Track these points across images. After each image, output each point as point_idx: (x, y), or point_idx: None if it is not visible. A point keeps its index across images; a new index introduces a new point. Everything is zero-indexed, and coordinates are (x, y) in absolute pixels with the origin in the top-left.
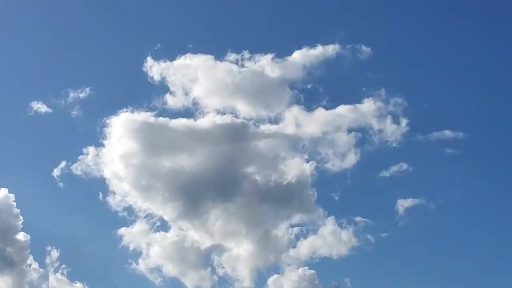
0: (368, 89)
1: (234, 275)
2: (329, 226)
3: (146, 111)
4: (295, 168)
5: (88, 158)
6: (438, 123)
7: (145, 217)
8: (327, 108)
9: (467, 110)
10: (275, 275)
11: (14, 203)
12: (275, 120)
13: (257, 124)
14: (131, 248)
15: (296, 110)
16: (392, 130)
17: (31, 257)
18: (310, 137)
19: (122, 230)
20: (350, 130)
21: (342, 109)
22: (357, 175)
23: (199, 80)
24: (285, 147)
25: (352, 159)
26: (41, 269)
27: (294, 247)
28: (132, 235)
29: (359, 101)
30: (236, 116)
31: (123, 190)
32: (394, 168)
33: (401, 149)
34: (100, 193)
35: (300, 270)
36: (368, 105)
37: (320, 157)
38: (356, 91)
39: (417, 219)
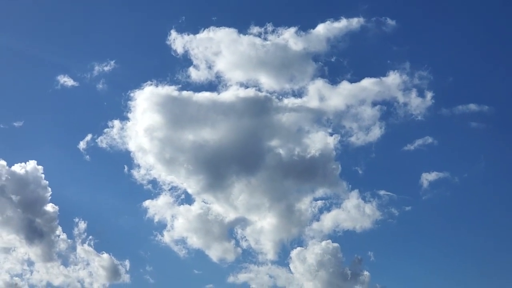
0: (393, 62)
1: (258, 247)
2: (352, 200)
3: (169, 85)
4: (319, 141)
5: (113, 131)
6: (463, 97)
7: (169, 190)
8: (351, 81)
9: (492, 84)
10: (298, 248)
11: (43, 175)
12: (299, 94)
13: (281, 97)
14: (156, 220)
15: (320, 83)
16: (417, 104)
17: (59, 228)
18: (334, 111)
19: (147, 203)
20: (374, 104)
21: (366, 82)
22: (382, 148)
23: (222, 53)
24: (309, 121)
25: (376, 132)
26: (69, 240)
27: (318, 220)
28: (156, 207)
29: (383, 74)
30: (259, 90)
31: (148, 163)
32: (418, 142)
33: (426, 122)
34: (125, 166)
35: (324, 243)
36: (393, 78)
37: (344, 131)
38: (380, 64)
39: (441, 193)
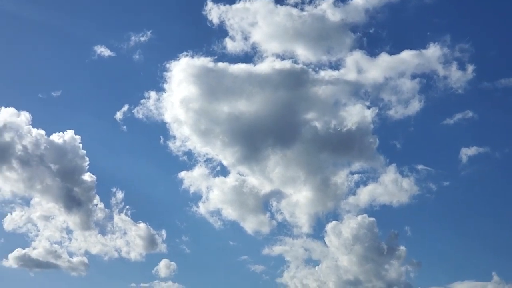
0: (433, 34)
1: (293, 221)
2: (390, 174)
3: (205, 56)
4: (356, 114)
5: (149, 102)
6: (505, 70)
7: (204, 161)
8: (390, 53)
9: None
10: (334, 222)
11: (80, 145)
12: (336, 66)
13: (317, 69)
14: (191, 191)
15: (358, 55)
16: (458, 77)
17: (97, 197)
18: (373, 83)
19: (183, 174)
20: (414, 76)
21: (406, 54)
22: (420, 122)
23: (259, 24)
24: (346, 93)
25: (415, 106)
26: (106, 209)
27: (354, 194)
28: (192, 179)
29: (423, 46)
30: (295, 62)
31: (183, 134)
32: (458, 116)
33: (467, 96)
34: (161, 137)
35: (359, 217)
36: (433, 51)
37: (383, 104)
38: (420, 36)
39: (481, 168)
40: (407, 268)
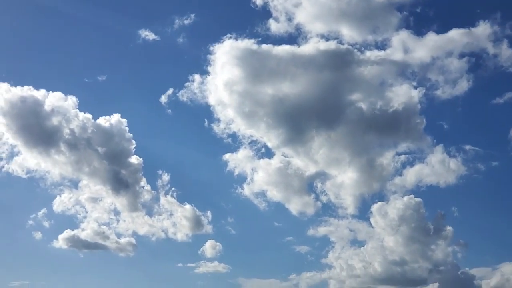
0: (483, 11)
1: (338, 202)
2: (437, 155)
3: (249, 38)
4: (403, 95)
5: (193, 85)
6: None
7: (249, 143)
8: (438, 32)
9: None
10: (379, 203)
11: (127, 128)
12: (382, 46)
13: (363, 49)
14: (236, 173)
15: (404, 34)
16: (508, 55)
17: (143, 179)
18: (420, 63)
19: (227, 156)
20: (462, 55)
21: (454, 33)
22: (469, 102)
23: (303, 4)
24: (392, 74)
25: (463, 85)
26: (153, 191)
27: (400, 175)
28: (236, 161)
29: (472, 24)
30: (340, 42)
31: (228, 117)
32: (509, 95)
33: None
34: (206, 120)
35: (406, 198)
36: (482, 29)
37: (430, 84)
38: (469, 14)
39: None
40: (454, 248)
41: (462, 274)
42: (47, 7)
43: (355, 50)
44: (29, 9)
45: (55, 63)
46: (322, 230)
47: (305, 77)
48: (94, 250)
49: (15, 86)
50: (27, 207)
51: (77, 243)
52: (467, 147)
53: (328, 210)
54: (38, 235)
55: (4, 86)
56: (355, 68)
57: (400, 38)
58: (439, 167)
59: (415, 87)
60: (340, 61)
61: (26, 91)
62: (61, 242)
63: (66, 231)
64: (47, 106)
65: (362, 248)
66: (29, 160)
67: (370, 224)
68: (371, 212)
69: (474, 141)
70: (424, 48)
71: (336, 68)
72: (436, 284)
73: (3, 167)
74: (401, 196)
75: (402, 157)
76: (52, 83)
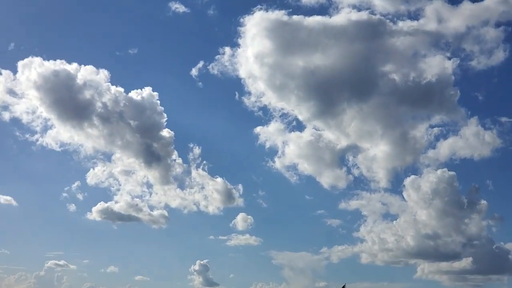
0: None
1: (370, 175)
2: (471, 127)
3: (279, 9)
4: (436, 66)
5: (224, 58)
6: None
7: (280, 116)
8: (473, 0)
9: None
10: (412, 176)
11: (158, 101)
12: (415, 16)
13: (395, 20)
14: (267, 146)
15: (438, 4)
16: None
17: (175, 152)
18: (454, 33)
19: (258, 129)
20: (498, 24)
21: (490, 1)
22: (505, 73)
23: None
24: (425, 44)
25: (499, 56)
26: (184, 164)
27: (433, 148)
28: (267, 134)
29: None
30: (372, 12)
31: (258, 90)
32: None
33: None
34: (236, 93)
35: (439, 171)
36: None
37: (464, 54)
38: None
39: None
40: (489, 222)
41: (496, 248)
42: None
43: (388, 20)
44: None
45: (87, 36)
46: (354, 204)
47: (336, 49)
48: (128, 222)
49: (48, 60)
50: (61, 180)
51: (110, 215)
52: (503, 119)
53: (360, 183)
54: (72, 207)
55: (37, 60)
56: (388, 39)
57: (434, 8)
58: (473, 139)
59: (449, 58)
60: (372, 32)
61: (59, 65)
62: (95, 214)
63: (99, 203)
64: (80, 80)
65: (394, 221)
66: (62, 134)
67: (403, 197)
68: (404, 185)
69: (510, 113)
70: (459, 17)
71: (368, 39)
72: (470, 259)
73: (37, 140)
74: (434, 170)
75: (436, 129)
76: (84, 57)
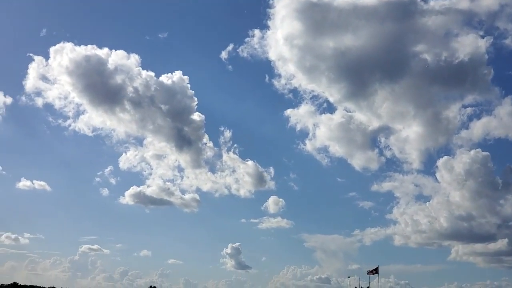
0: None
1: (402, 157)
2: (506, 106)
3: None
4: (469, 45)
5: (253, 40)
6: None
7: (310, 98)
8: None
9: None
10: (445, 157)
11: (188, 85)
12: None
13: None
14: (298, 128)
15: None
16: None
17: (206, 136)
18: (487, 11)
19: (289, 112)
20: None
21: None
22: None
23: None
24: (458, 23)
25: None
26: (215, 148)
27: (467, 128)
28: (298, 116)
29: None
30: None
31: (288, 72)
32: None
33: None
34: (266, 75)
35: (472, 152)
36: None
37: (498, 33)
38: None
39: None
40: None
41: None
42: None
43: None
44: None
45: (117, 21)
46: (386, 186)
47: (367, 29)
48: (160, 206)
49: (79, 45)
50: (94, 165)
51: (143, 199)
52: None
53: (393, 165)
54: (105, 191)
55: (69, 45)
56: (419, 18)
57: None
58: (507, 119)
59: (482, 37)
60: (403, 12)
61: (90, 50)
62: (127, 198)
63: (132, 187)
64: (111, 65)
65: (427, 203)
66: (94, 119)
67: (436, 179)
68: (437, 166)
69: None
70: None
71: (399, 19)
72: (506, 240)
73: (70, 125)
74: (467, 150)
75: (469, 109)
76: (115, 42)
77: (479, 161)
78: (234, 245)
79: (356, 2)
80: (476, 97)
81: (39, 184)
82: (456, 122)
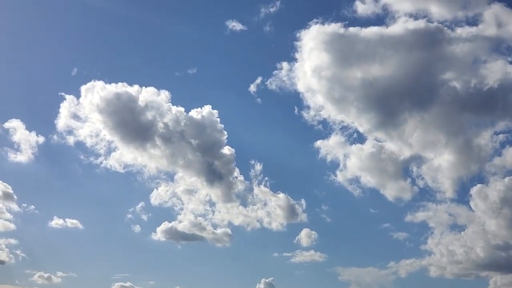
0: None
1: (435, 186)
2: None
3: (336, 22)
4: (498, 71)
5: (281, 73)
6: None
7: (340, 129)
8: None
9: None
10: (479, 185)
11: (218, 119)
12: (473, 21)
13: (453, 26)
14: (328, 160)
15: (497, 8)
16: None
17: (236, 170)
18: None
19: (319, 143)
20: None
21: None
22: None
23: None
24: (486, 50)
25: None
26: (246, 181)
27: (500, 155)
28: (328, 147)
29: None
30: (429, 20)
31: (317, 103)
32: None
33: None
34: (295, 107)
35: (507, 179)
36: None
37: None
38: None
39: None
40: None
41: None
42: (136, 9)
43: (445, 27)
44: (119, 13)
45: (147, 59)
46: (420, 216)
47: (394, 58)
48: (192, 241)
49: (110, 83)
50: (126, 201)
51: (175, 235)
52: None
53: (426, 194)
54: (137, 228)
55: (100, 84)
56: (446, 46)
57: (492, 12)
58: None
59: (511, 63)
60: (430, 40)
61: (121, 87)
62: (159, 234)
63: (164, 223)
64: (141, 102)
65: (462, 232)
66: (126, 155)
67: (470, 207)
68: (471, 195)
69: None
70: None
71: (426, 48)
72: None
73: (101, 163)
74: (501, 177)
75: (501, 136)
76: (145, 79)
77: None
78: (267, 280)
79: (382, 32)
80: (508, 123)
81: (71, 222)
82: (488, 149)
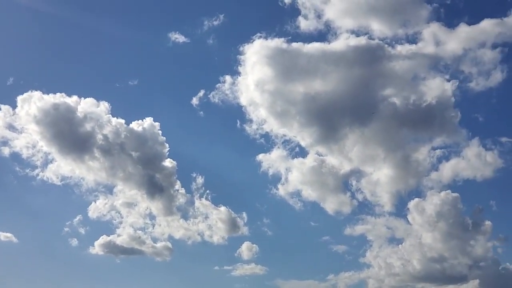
0: None
1: (374, 199)
2: (473, 148)
3: (278, 37)
4: (436, 88)
5: (225, 86)
6: None
7: (282, 143)
8: (469, 23)
9: None
10: (416, 199)
11: (159, 132)
12: (413, 39)
13: (393, 44)
14: (270, 173)
15: (435, 27)
16: None
17: (178, 183)
18: (452, 55)
19: (261, 157)
20: (495, 46)
21: (486, 23)
22: (504, 93)
23: (331, 0)
24: (424, 67)
25: (497, 77)
26: (187, 194)
27: (436, 170)
28: (270, 161)
29: (504, 14)
30: (370, 37)
31: (260, 117)
32: None
33: None
34: (238, 121)
35: (443, 193)
36: None
37: (463, 76)
38: (501, 3)
39: None
40: (494, 243)
41: (503, 269)
42: (75, 14)
43: (386, 44)
44: (57, 17)
45: (86, 69)
46: (359, 229)
47: (336, 74)
48: (131, 255)
49: (48, 94)
50: (63, 214)
51: (113, 249)
52: (503, 139)
53: (365, 208)
54: (74, 242)
55: (37, 94)
56: (387, 63)
57: (431, 31)
58: (475, 160)
59: (448, 80)
60: (371, 57)
61: (59, 98)
62: (97, 248)
63: (102, 237)
64: (80, 113)
65: (400, 245)
66: (63, 167)
67: (408, 221)
68: (408, 208)
69: (510, 133)
70: (456, 40)
71: (367, 64)
72: (477, 281)
73: (38, 175)
74: (438, 192)
75: (438, 151)
76: (84, 89)
77: (449, 202)
78: None
79: (324, 48)
80: (445, 139)
81: (5, 235)
82: (425, 164)
